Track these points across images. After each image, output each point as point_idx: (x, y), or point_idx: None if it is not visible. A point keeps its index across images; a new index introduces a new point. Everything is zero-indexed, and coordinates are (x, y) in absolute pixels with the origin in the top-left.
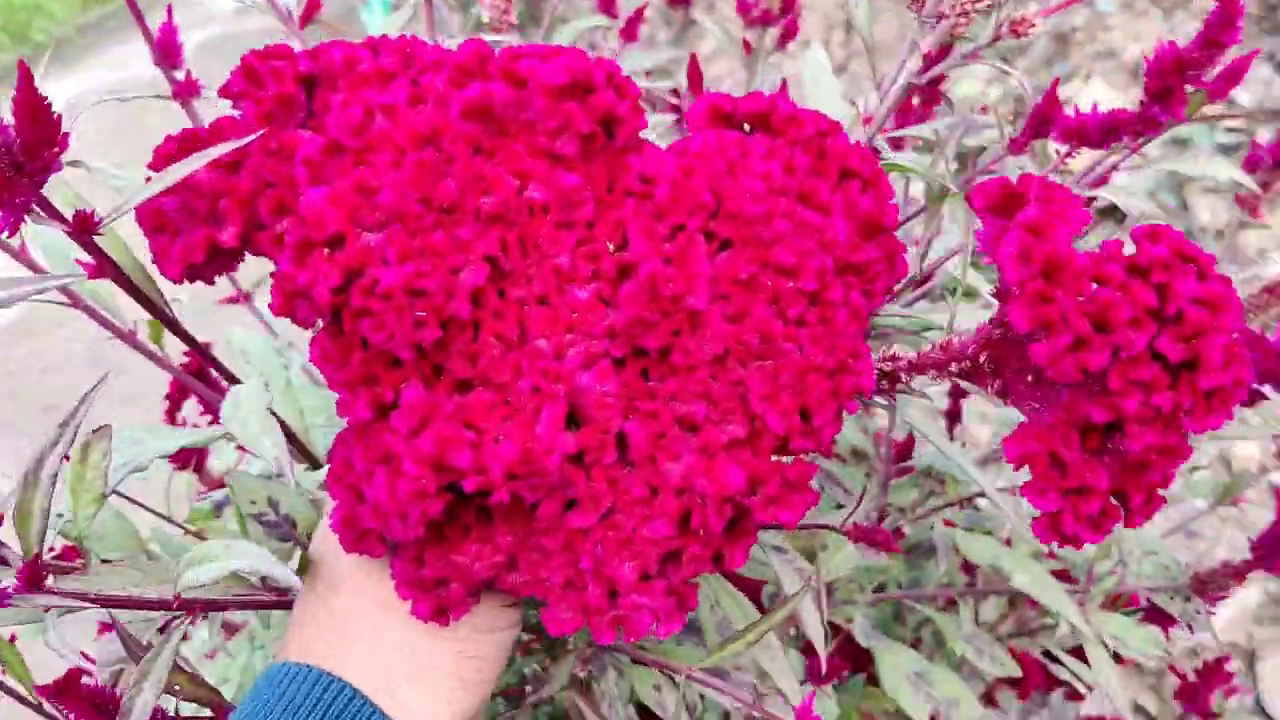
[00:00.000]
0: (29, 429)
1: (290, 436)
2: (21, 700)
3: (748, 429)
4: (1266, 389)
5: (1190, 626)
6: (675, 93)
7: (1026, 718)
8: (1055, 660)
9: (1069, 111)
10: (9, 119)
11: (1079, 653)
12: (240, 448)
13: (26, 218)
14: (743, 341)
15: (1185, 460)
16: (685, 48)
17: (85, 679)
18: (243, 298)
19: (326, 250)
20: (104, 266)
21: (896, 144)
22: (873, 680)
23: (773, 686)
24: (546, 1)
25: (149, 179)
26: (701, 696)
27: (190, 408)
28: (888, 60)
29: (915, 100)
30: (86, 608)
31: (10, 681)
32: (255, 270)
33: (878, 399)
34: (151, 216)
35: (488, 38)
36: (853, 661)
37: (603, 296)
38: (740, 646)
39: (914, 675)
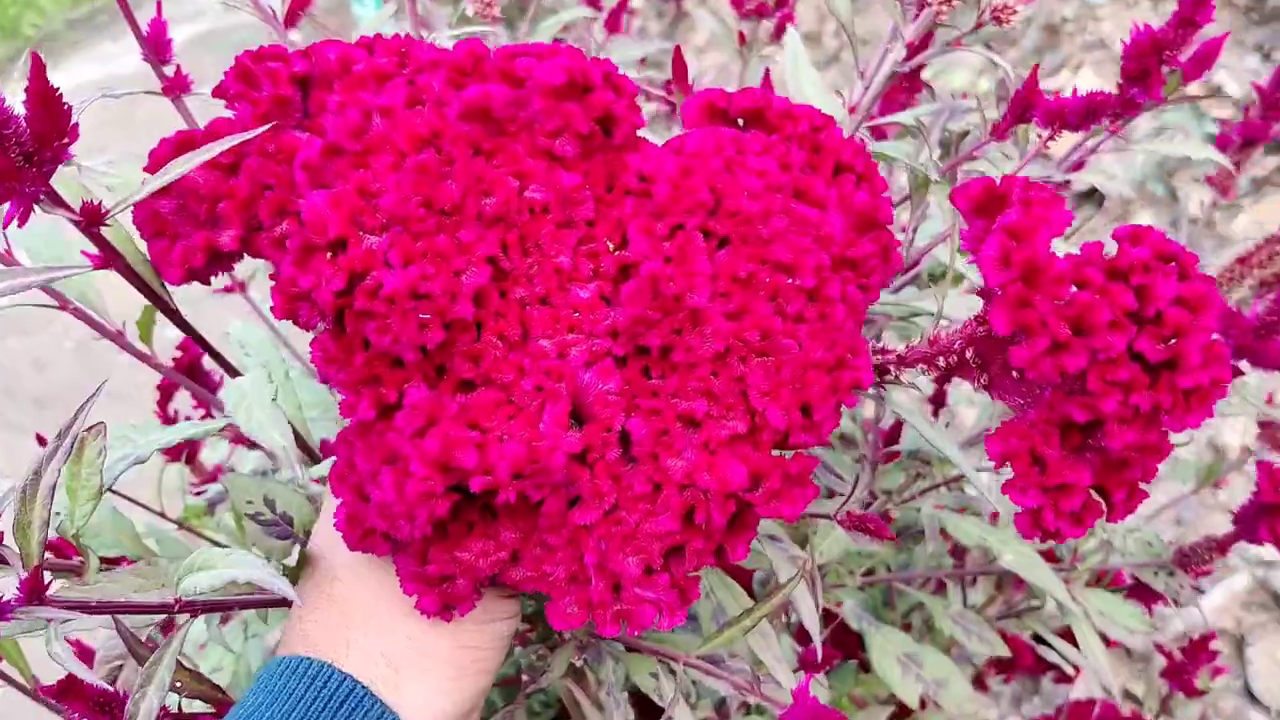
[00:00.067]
0: (21, 424)
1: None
2: (18, 687)
3: (749, 424)
4: (1243, 365)
5: (1175, 602)
6: (668, 86)
7: (1018, 704)
8: (1044, 642)
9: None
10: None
11: (1068, 636)
12: (234, 440)
13: (36, 207)
14: (743, 338)
15: (1166, 457)
16: (677, 40)
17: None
18: (238, 287)
19: (329, 254)
20: (110, 258)
21: (878, 131)
22: (864, 667)
23: (766, 672)
24: None
25: (146, 181)
26: (694, 682)
27: (182, 401)
28: (877, 51)
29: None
30: (88, 616)
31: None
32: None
33: (868, 390)
34: (150, 221)
35: (472, 29)
36: (843, 647)
37: (604, 295)
38: (736, 633)
39: (904, 656)
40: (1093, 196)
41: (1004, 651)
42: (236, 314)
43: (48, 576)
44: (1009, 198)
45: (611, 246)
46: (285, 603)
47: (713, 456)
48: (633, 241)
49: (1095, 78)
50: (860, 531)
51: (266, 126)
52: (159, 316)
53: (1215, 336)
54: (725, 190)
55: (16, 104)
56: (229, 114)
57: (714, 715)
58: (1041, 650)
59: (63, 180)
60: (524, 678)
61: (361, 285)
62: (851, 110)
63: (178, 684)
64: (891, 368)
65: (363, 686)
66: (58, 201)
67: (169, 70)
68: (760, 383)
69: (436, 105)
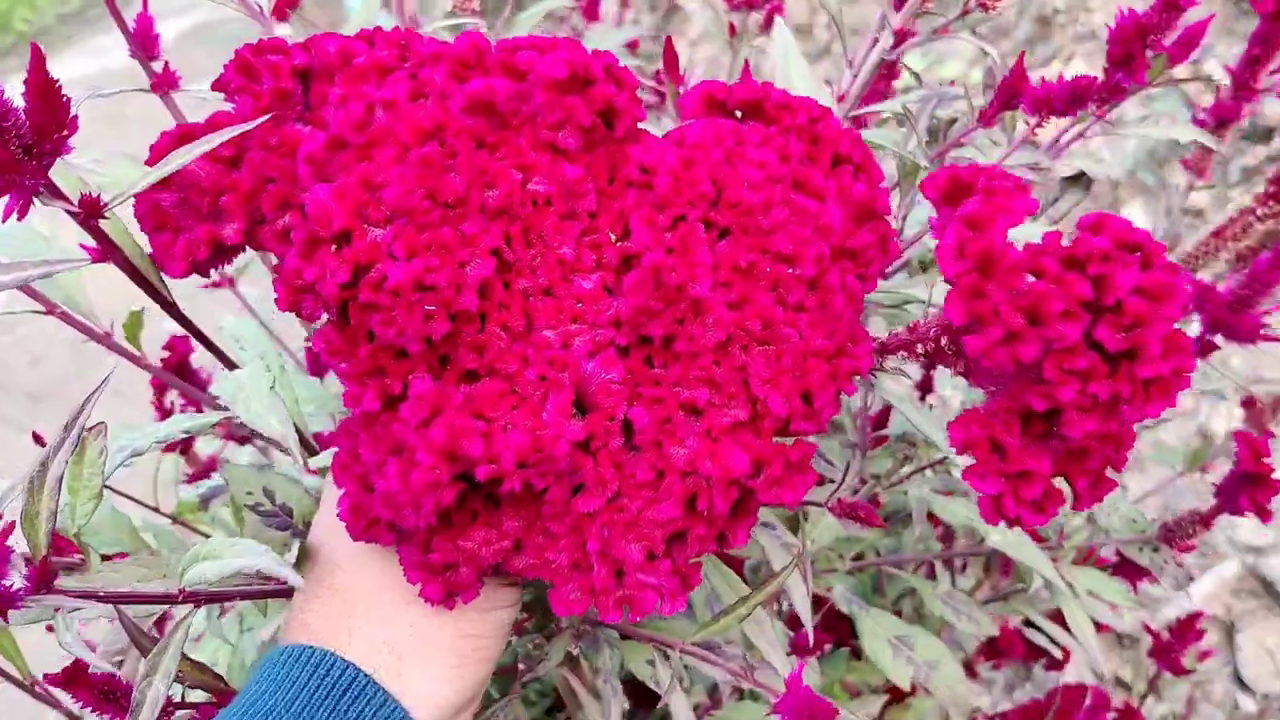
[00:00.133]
0: (16, 419)
1: None
2: (16, 683)
3: (750, 412)
4: (1218, 338)
5: (1156, 577)
6: (657, 76)
7: (1010, 691)
8: (1034, 627)
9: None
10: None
11: (1057, 619)
12: (226, 436)
13: (35, 199)
14: (744, 327)
15: (1130, 446)
16: (670, 32)
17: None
18: (227, 282)
19: (334, 246)
20: (108, 251)
21: (858, 120)
22: (856, 654)
23: (759, 658)
24: None
25: (147, 172)
26: (686, 668)
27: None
28: (866, 40)
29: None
30: (94, 606)
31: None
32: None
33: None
34: (151, 215)
35: (456, 22)
36: (834, 632)
37: (606, 286)
38: (733, 621)
39: (894, 639)
40: (1080, 181)
41: (993, 631)
42: (227, 309)
43: None
44: (974, 186)
45: (614, 238)
46: (287, 593)
47: (715, 444)
48: (635, 233)
49: (1086, 68)
50: (850, 519)
51: (268, 118)
52: (153, 310)
53: (1178, 326)
54: (726, 181)
55: (15, 96)
56: (224, 108)
57: (707, 701)
58: (1031, 635)
59: (58, 173)
60: (520, 667)
61: (366, 277)
62: (840, 99)
63: (180, 674)
64: (875, 355)
65: (365, 675)
66: (57, 194)
67: (157, 66)
68: (761, 371)
69: (439, 98)
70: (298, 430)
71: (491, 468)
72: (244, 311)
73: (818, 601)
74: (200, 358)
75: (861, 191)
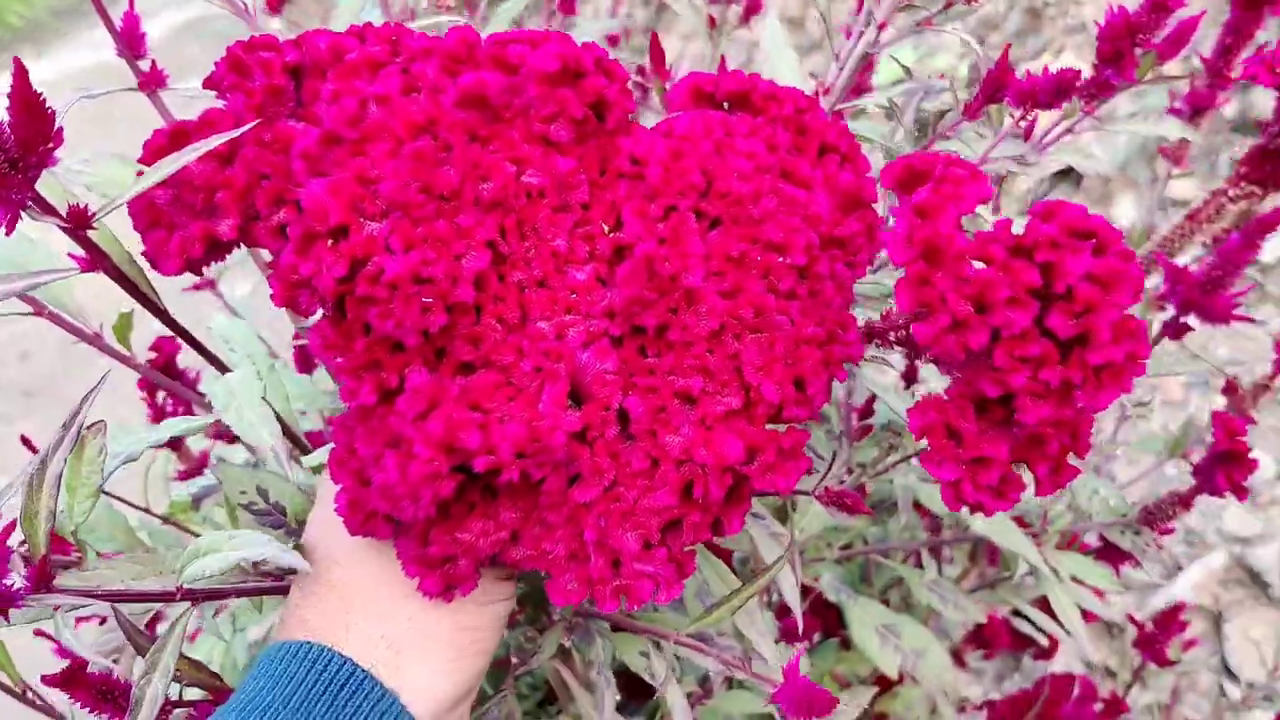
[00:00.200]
0: (9, 414)
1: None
2: (7, 690)
3: (744, 400)
4: (1191, 320)
5: (1139, 560)
6: (640, 70)
7: (1000, 681)
8: (1021, 616)
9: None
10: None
11: (1044, 607)
12: (215, 436)
13: (23, 213)
14: (737, 316)
15: (1088, 433)
16: (663, 27)
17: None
18: (208, 285)
19: (330, 241)
20: (96, 260)
21: (837, 113)
22: (845, 644)
23: (749, 648)
24: None
25: (141, 173)
26: (678, 659)
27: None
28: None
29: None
30: (93, 604)
31: None
32: None
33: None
34: (145, 213)
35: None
36: (822, 620)
37: (600, 277)
38: (726, 612)
39: (882, 628)
40: (1069, 176)
41: (980, 618)
42: (209, 308)
43: None
44: (930, 174)
45: (606, 229)
46: (284, 590)
47: (709, 432)
48: (627, 224)
49: (1076, 61)
50: (837, 507)
51: (261, 118)
52: (142, 309)
53: (1131, 312)
54: (716, 172)
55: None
56: (217, 104)
57: (699, 691)
58: (1018, 624)
59: (43, 183)
60: (513, 660)
61: (363, 271)
62: (826, 91)
63: (178, 672)
64: None
65: (363, 669)
66: (45, 208)
67: (144, 65)
68: (754, 359)
69: (432, 93)
70: (289, 429)
71: (490, 459)
72: (224, 310)
73: (806, 591)
74: (186, 357)
75: (848, 180)
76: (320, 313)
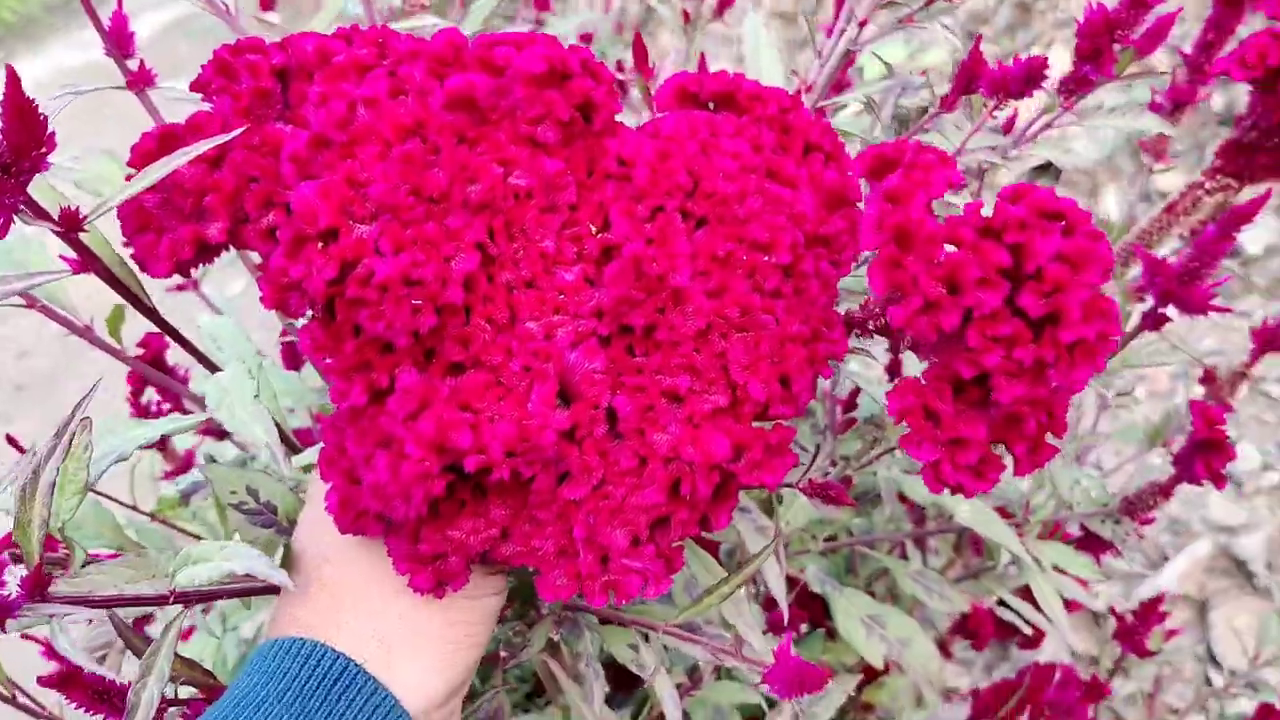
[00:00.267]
0: (8, 413)
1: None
2: None
3: (730, 398)
4: (1170, 310)
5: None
6: (620, 66)
7: (990, 671)
8: (1006, 606)
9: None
10: None
11: (1027, 596)
12: (203, 432)
13: (15, 217)
14: (724, 315)
15: (1064, 412)
16: (656, 22)
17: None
18: (192, 285)
19: (320, 243)
20: (88, 261)
21: (824, 110)
22: (831, 635)
23: (737, 639)
24: None
25: (130, 177)
26: (666, 649)
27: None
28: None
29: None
30: (89, 610)
31: None
32: None
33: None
34: (134, 217)
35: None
36: (808, 611)
37: (588, 277)
38: (714, 601)
39: (867, 618)
40: (1050, 170)
41: (963, 607)
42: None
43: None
44: (900, 161)
45: (594, 229)
46: (274, 590)
47: (696, 430)
48: (615, 224)
49: (1066, 54)
50: (822, 499)
51: (249, 122)
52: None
53: (1101, 290)
54: (702, 172)
55: None
56: (206, 106)
57: (687, 681)
58: (1003, 614)
59: (35, 185)
60: (502, 654)
61: (354, 273)
62: (808, 89)
63: (171, 671)
64: None
65: (355, 664)
66: (39, 212)
67: (133, 64)
68: (740, 357)
69: (419, 95)
70: (278, 426)
71: (480, 458)
72: (207, 310)
73: (791, 582)
74: (174, 354)
75: (833, 179)
76: (310, 314)
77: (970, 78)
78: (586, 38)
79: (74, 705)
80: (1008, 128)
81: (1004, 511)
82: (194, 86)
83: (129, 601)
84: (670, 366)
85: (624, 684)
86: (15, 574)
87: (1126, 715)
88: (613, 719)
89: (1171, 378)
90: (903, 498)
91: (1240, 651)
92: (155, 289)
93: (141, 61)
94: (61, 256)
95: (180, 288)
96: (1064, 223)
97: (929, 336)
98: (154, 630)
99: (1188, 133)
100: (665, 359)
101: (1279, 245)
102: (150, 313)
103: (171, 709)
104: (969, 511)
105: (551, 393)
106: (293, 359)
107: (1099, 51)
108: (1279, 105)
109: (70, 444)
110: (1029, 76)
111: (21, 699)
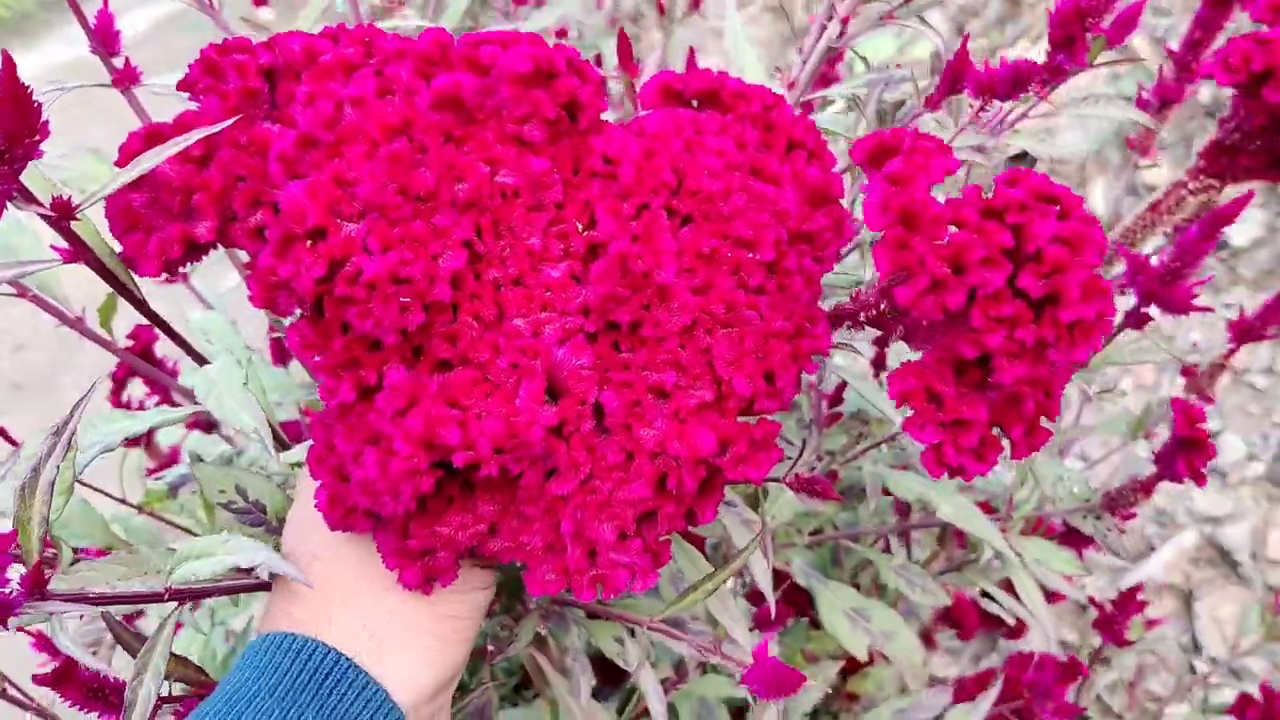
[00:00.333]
0: (2, 408)
1: None
2: None
3: (715, 393)
4: (1152, 310)
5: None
6: (599, 60)
7: (977, 661)
8: (990, 597)
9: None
10: None
11: (1011, 589)
12: (190, 425)
13: (8, 204)
14: (709, 311)
15: (1060, 392)
16: (651, 19)
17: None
18: (181, 278)
19: (309, 242)
20: (79, 251)
21: (808, 106)
22: (815, 624)
23: (723, 634)
24: None
25: (117, 174)
26: (653, 644)
27: (134, 387)
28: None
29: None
30: (87, 607)
31: None
32: None
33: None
34: (123, 215)
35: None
36: (794, 605)
37: (574, 274)
38: (700, 596)
39: (851, 611)
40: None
41: (945, 600)
42: (183, 301)
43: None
44: (899, 148)
45: (580, 227)
46: (265, 586)
47: (682, 425)
48: (600, 222)
49: None
50: (807, 493)
51: (237, 119)
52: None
53: (1097, 272)
54: (687, 170)
55: None
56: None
57: (673, 675)
58: (987, 605)
59: (27, 174)
60: (490, 648)
61: (342, 272)
62: (791, 86)
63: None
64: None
65: (346, 659)
66: (30, 198)
67: (118, 62)
68: (725, 353)
69: (406, 94)
70: (267, 421)
71: (469, 454)
72: (196, 303)
73: (777, 575)
74: (163, 346)
75: (816, 176)
76: (299, 312)
77: (957, 77)
78: (562, 33)
79: (68, 703)
80: (986, 121)
81: (987, 507)
82: (181, 86)
83: (125, 599)
84: (656, 362)
85: (611, 677)
86: (13, 572)
87: (1111, 703)
88: (599, 712)
89: (1157, 370)
90: (887, 492)
91: (1221, 641)
92: (146, 280)
93: (127, 59)
94: (53, 246)
95: (168, 281)
96: (1059, 207)
97: (934, 316)
98: (142, 625)
99: (1175, 125)
100: (651, 355)
101: (1265, 238)
102: (140, 304)
103: (164, 706)
104: (952, 509)
105: (539, 389)
106: (281, 355)
107: (1071, 39)
108: (1261, 109)
109: (70, 443)
110: (1016, 79)
111: (12, 692)
